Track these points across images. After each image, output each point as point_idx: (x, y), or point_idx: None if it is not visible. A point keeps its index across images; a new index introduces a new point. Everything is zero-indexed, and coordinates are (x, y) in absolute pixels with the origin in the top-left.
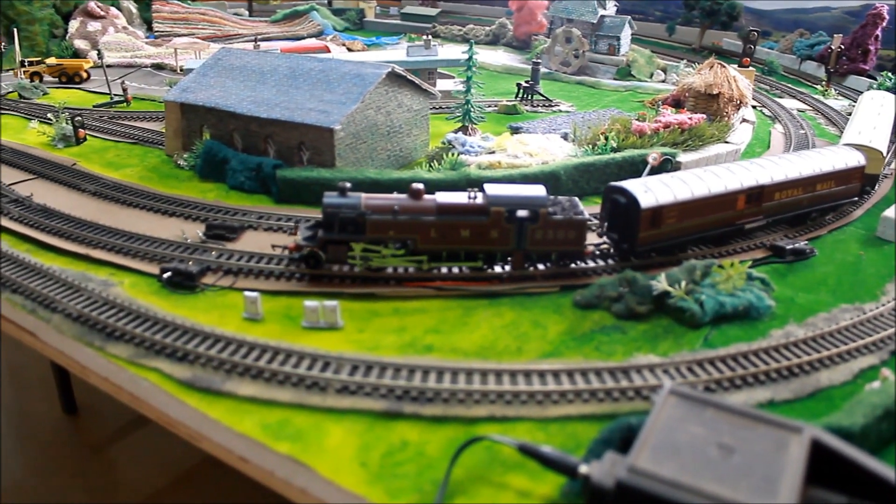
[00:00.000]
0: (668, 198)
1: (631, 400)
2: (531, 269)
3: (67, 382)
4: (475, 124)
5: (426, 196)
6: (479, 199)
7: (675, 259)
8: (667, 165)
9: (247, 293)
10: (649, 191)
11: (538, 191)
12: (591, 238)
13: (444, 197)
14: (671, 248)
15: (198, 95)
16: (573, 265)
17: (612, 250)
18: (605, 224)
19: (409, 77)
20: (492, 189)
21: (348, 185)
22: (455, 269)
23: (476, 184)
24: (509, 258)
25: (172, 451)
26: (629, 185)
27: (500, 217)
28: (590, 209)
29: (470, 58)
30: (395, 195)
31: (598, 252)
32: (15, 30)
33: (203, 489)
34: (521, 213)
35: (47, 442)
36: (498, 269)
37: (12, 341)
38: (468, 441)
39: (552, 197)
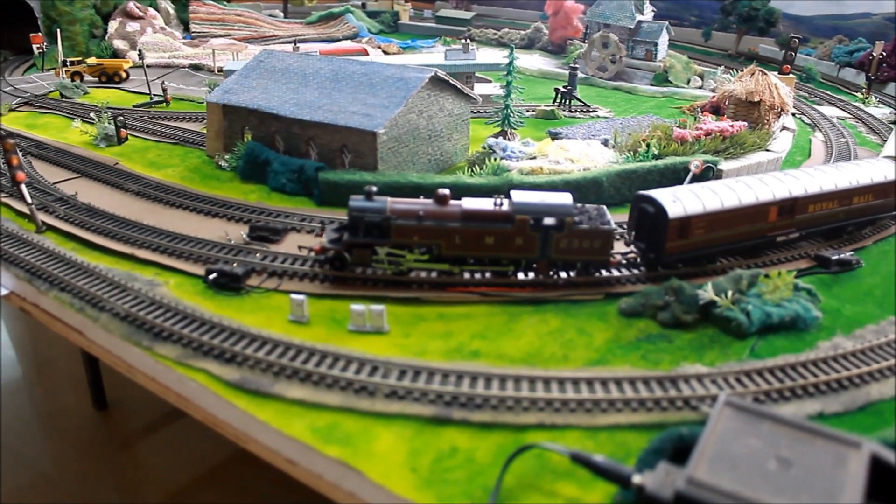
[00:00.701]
0: (696, 208)
1: (679, 410)
2: (556, 276)
3: (98, 379)
4: (514, 129)
5: (452, 202)
6: (505, 207)
7: (703, 269)
8: (709, 173)
9: (293, 296)
10: (678, 200)
11: (565, 199)
12: (620, 247)
13: (469, 203)
14: (699, 258)
15: (240, 97)
16: (598, 274)
17: (638, 259)
18: (633, 233)
19: (451, 81)
20: (518, 196)
21: (374, 188)
22: (487, 275)
23: (518, 189)
24: (534, 266)
25: (199, 449)
26: (657, 194)
27: (526, 225)
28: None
29: (510, 62)
30: (421, 200)
31: (624, 261)
32: (58, 30)
33: (228, 487)
34: (547, 221)
35: (77, 436)
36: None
37: (46, 337)
38: (520, 448)
39: (579, 206)
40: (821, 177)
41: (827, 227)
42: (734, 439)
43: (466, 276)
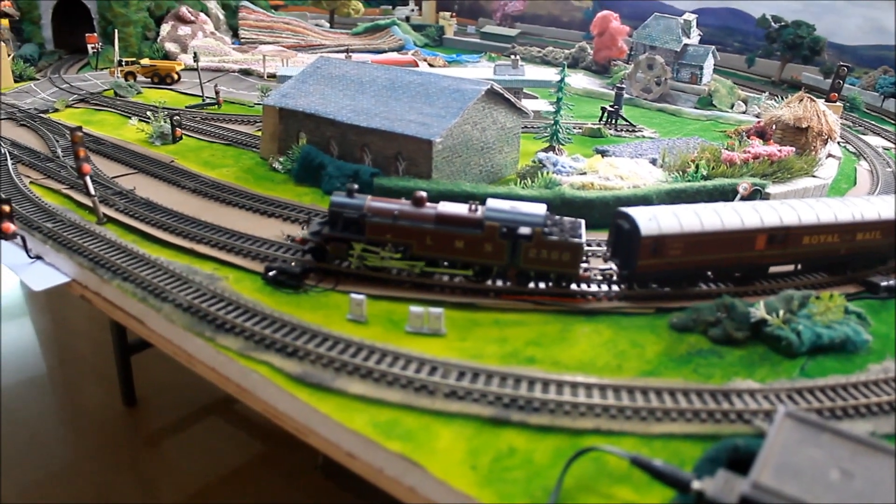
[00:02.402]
0: (672, 228)
1: (732, 423)
2: (530, 286)
3: (129, 375)
4: (562, 145)
5: (428, 204)
6: (479, 213)
7: (682, 293)
8: (756, 196)
9: (353, 295)
10: (653, 219)
11: (538, 210)
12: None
13: (444, 207)
14: (677, 280)
15: (297, 101)
16: (573, 286)
17: (614, 276)
18: (610, 249)
19: (505, 95)
20: (492, 203)
21: (356, 186)
22: (542, 284)
23: (570, 203)
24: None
25: (223, 449)
26: (634, 211)
27: (495, 232)
28: None
29: (562, 80)
30: (401, 201)
31: (600, 276)
32: (115, 31)
33: (249, 488)
34: (515, 230)
35: (104, 431)
36: (594, 287)
37: (78, 332)
38: (581, 451)
39: (555, 218)
40: (821, 209)
41: (826, 262)
42: (796, 449)
43: (542, 285)
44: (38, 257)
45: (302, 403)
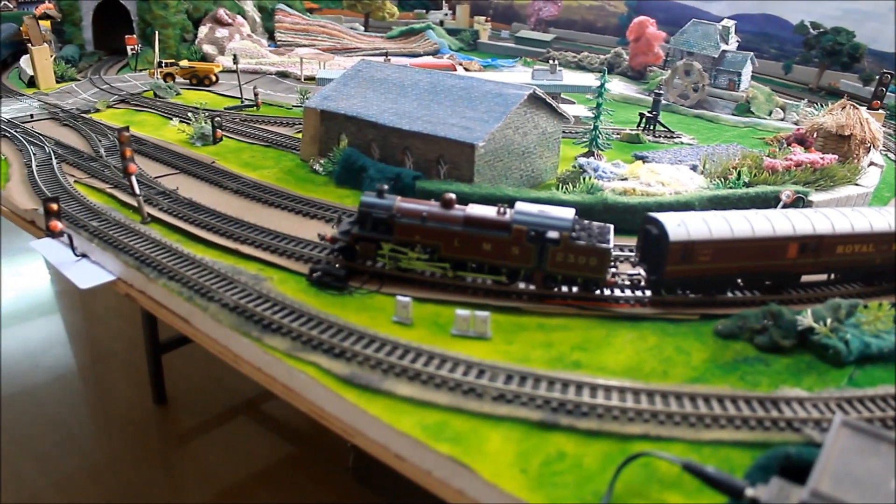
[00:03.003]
0: (702, 234)
1: (782, 431)
2: (556, 289)
3: (160, 373)
4: (601, 150)
5: (457, 206)
6: (507, 216)
7: (711, 300)
8: (799, 204)
9: (399, 297)
10: (682, 224)
11: (566, 214)
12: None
13: (473, 209)
14: (706, 287)
15: (339, 104)
16: (598, 292)
17: (642, 282)
18: (639, 254)
19: (547, 100)
20: (521, 207)
21: (386, 186)
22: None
23: (612, 209)
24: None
25: (252, 449)
26: (663, 216)
27: (522, 235)
28: None
29: (602, 85)
30: (430, 202)
31: (628, 281)
32: (155, 33)
33: (280, 488)
34: (543, 233)
35: (134, 429)
36: (639, 293)
37: (109, 330)
38: (633, 455)
39: (584, 222)
40: (855, 217)
41: (861, 272)
42: (854, 458)
43: (565, 289)
44: (84, 255)
45: (350, 405)
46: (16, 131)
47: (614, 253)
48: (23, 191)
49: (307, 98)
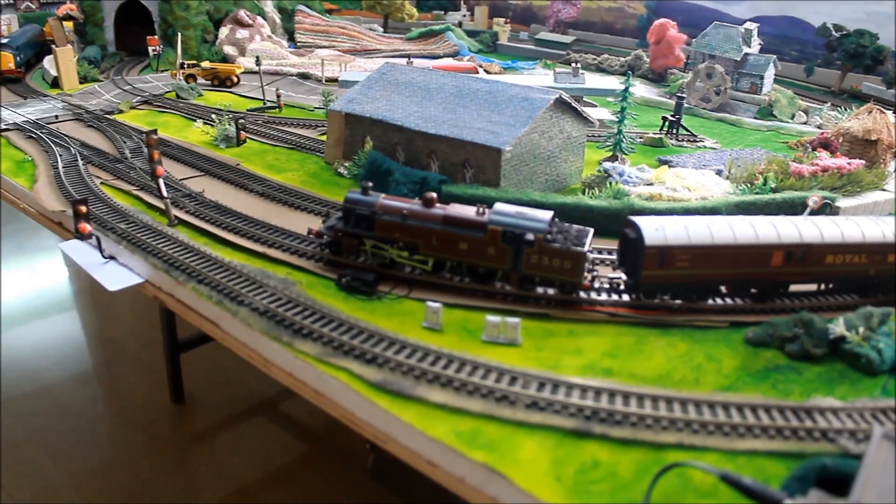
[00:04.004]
0: (680, 239)
1: (816, 441)
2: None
3: (178, 372)
4: (625, 155)
5: (438, 205)
6: (484, 217)
7: (694, 306)
8: (825, 209)
9: (429, 303)
10: (660, 229)
11: (544, 216)
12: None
13: (453, 209)
14: (685, 292)
15: (364, 107)
16: (576, 295)
17: (621, 286)
18: (618, 258)
19: (572, 104)
20: (498, 207)
21: (370, 184)
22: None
23: (639, 214)
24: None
25: (271, 448)
26: (641, 220)
27: (497, 236)
28: None
29: (626, 89)
30: (413, 200)
31: (607, 285)
32: (178, 34)
33: (297, 488)
34: (517, 235)
35: (152, 428)
36: (601, 296)
37: (126, 329)
38: (669, 465)
39: (563, 225)
40: (847, 226)
41: (854, 283)
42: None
43: (594, 295)
44: (112, 257)
45: (382, 410)
46: (41, 132)
47: (595, 256)
48: (50, 192)
49: (330, 100)
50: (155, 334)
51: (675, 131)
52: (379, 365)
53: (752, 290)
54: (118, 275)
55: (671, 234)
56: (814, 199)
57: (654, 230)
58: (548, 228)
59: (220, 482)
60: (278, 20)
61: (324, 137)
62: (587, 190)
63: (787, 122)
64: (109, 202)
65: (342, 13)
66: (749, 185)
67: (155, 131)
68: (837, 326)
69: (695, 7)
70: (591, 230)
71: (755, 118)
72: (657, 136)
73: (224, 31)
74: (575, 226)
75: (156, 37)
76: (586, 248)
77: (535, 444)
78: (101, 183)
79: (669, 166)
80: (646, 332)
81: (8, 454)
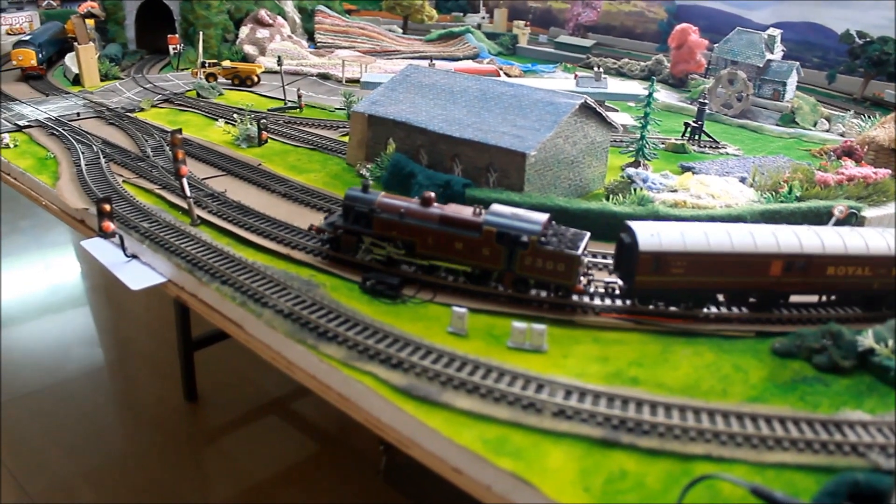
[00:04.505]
0: (675, 245)
1: (846, 455)
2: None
3: (192, 371)
4: (648, 160)
5: (436, 205)
6: (480, 217)
7: (689, 313)
8: (851, 219)
9: (455, 308)
10: (656, 234)
11: (539, 218)
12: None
13: (450, 209)
14: (681, 299)
15: (387, 109)
16: (574, 298)
17: (616, 290)
18: (615, 262)
19: (597, 109)
20: (495, 209)
21: (370, 181)
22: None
23: (663, 220)
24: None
25: (284, 447)
26: (637, 225)
27: (491, 237)
28: None
29: (650, 94)
30: (412, 199)
31: (602, 290)
32: (200, 33)
33: (308, 487)
34: (511, 236)
35: (164, 425)
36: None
37: (140, 326)
38: (699, 478)
39: (559, 228)
40: (851, 238)
41: (858, 296)
42: None
43: (619, 302)
44: (134, 256)
45: (408, 416)
46: (63, 129)
47: (591, 260)
48: (72, 189)
49: (351, 101)
50: (168, 332)
51: (697, 137)
52: (405, 370)
53: (751, 300)
54: (141, 274)
55: (666, 239)
56: (839, 208)
57: (650, 235)
58: (542, 231)
59: (231, 480)
60: (298, 20)
61: (345, 139)
62: (611, 196)
63: (810, 130)
64: (132, 200)
65: (361, 13)
66: (774, 193)
67: (179, 130)
68: (866, 339)
69: (715, 12)
70: (588, 234)
71: (777, 125)
72: (679, 141)
73: (244, 31)
74: (571, 229)
75: (176, 35)
76: (580, 251)
77: (562, 452)
78: (124, 181)
79: (693, 173)
80: (672, 341)
81: (23, 448)
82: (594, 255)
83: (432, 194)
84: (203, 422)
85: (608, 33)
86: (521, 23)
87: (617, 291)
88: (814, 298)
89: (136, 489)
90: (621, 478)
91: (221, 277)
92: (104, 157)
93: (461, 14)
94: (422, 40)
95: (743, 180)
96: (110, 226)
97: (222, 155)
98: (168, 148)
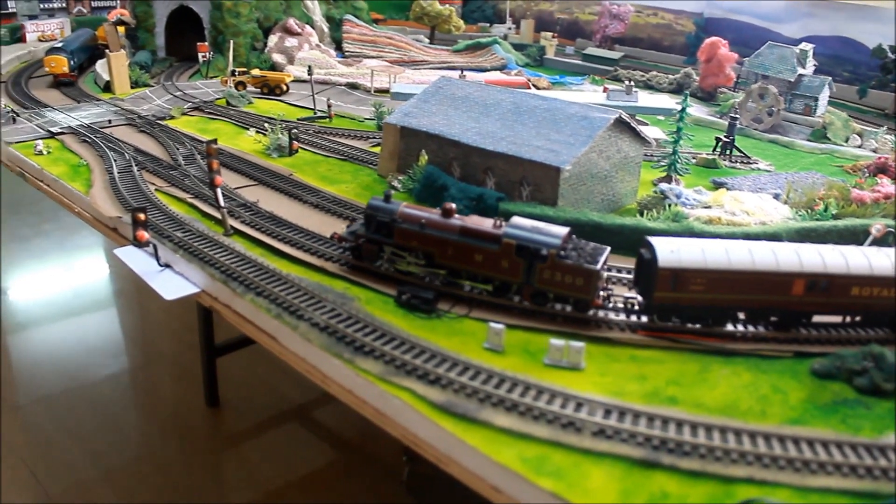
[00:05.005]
0: (695, 262)
1: (891, 481)
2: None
3: (214, 376)
4: (680, 176)
5: (456, 216)
6: (501, 229)
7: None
8: (889, 238)
9: (492, 324)
10: (676, 251)
11: (559, 232)
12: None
13: (470, 220)
14: (700, 317)
15: (420, 121)
16: (591, 313)
17: (636, 306)
18: (635, 277)
19: (631, 123)
20: (515, 221)
21: (392, 192)
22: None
23: (698, 237)
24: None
25: (305, 454)
26: (657, 240)
27: (511, 249)
28: None
29: (683, 109)
30: (432, 210)
31: (620, 305)
32: (231, 42)
33: (328, 494)
34: (530, 249)
35: (185, 430)
36: (730, 326)
37: (163, 331)
38: (744, 502)
39: (579, 242)
40: (878, 259)
41: (885, 317)
42: None
43: (634, 318)
44: (167, 266)
45: (446, 433)
46: (95, 136)
47: (612, 274)
48: (105, 197)
49: (382, 112)
50: (192, 337)
51: (728, 152)
52: (442, 386)
53: (773, 319)
54: (174, 284)
55: (686, 256)
56: (877, 227)
57: (669, 252)
58: (561, 244)
59: (251, 485)
60: (326, 29)
61: (375, 149)
62: (644, 211)
63: (842, 146)
64: (164, 209)
65: (388, 23)
66: (808, 210)
67: (215, 141)
68: None
69: (744, 25)
70: (608, 248)
71: (808, 140)
72: (710, 156)
73: (273, 39)
74: (591, 243)
75: (206, 43)
76: (599, 265)
77: (603, 473)
78: (156, 189)
79: (726, 189)
80: (709, 360)
81: (45, 449)
82: (619, 271)
83: (453, 205)
84: (224, 427)
85: (635, 45)
86: (549, 34)
87: (636, 307)
88: (846, 319)
89: (157, 492)
90: (663, 499)
91: (256, 289)
92: (136, 165)
93: (487, 24)
94: (449, 50)
95: (777, 197)
96: (145, 235)
97: (253, 164)
98: (200, 157)
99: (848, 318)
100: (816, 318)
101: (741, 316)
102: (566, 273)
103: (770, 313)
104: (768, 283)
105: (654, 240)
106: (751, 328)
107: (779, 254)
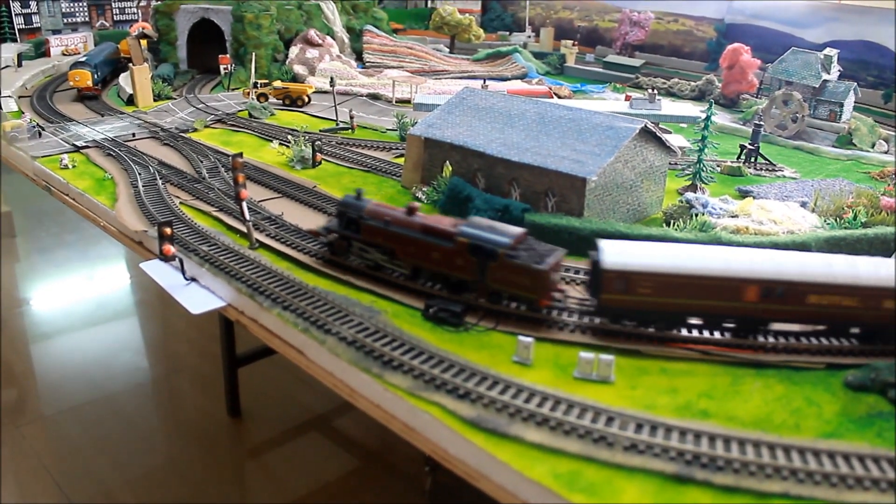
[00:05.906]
0: (640, 265)
1: None
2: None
3: (236, 387)
4: (705, 184)
5: (419, 214)
6: (456, 228)
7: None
8: None
9: (521, 338)
10: (623, 253)
11: (511, 232)
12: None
13: (431, 219)
14: (651, 320)
15: (444, 132)
16: (548, 314)
17: (589, 308)
18: (587, 279)
19: (656, 133)
20: (473, 220)
21: (364, 189)
22: (715, 333)
23: (726, 246)
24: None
25: (326, 464)
26: (605, 242)
27: (463, 248)
28: None
29: (708, 117)
30: (397, 208)
31: (573, 306)
32: (253, 54)
33: (346, 502)
34: (481, 248)
35: (207, 439)
36: (761, 338)
37: (184, 341)
38: None
39: (533, 242)
40: (840, 266)
41: (848, 327)
42: None
43: (684, 331)
44: (193, 279)
45: (477, 448)
46: (119, 150)
47: (565, 275)
48: (131, 211)
49: (405, 123)
50: (212, 347)
51: (753, 160)
52: (472, 400)
53: (730, 325)
54: (200, 297)
55: (632, 259)
56: None
57: (616, 254)
58: (512, 244)
59: (272, 495)
60: (347, 40)
61: (399, 161)
62: (671, 221)
63: (868, 152)
64: (190, 223)
65: (408, 33)
66: (837, 219)
67: (240, 154)
68: None
69: (766, 31)
70: (564, 250)
71: (833, 146)
72: (735, 164)
73: (294, 51)
74: (547, 245)
75: (228, 55)
76: (548, 266)
77: (636, 488)
78: (181, 203)
79: (753, 198)
80: (741, 373)
81: (68, 458)
82: None
83: (417, 204)
84: (245, 437)
85: (656, 52)
86: (569, 42)
87: (591, 309)
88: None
89: (179, 501)
90: None
91: (282, 302)
92: (161, 179)
93: (507, 33)
94: (469, 60)
95: (804, 205)
96: (171, 249)
97: (277, 177)
98: (224, 170)
99: (809, 328)
100: (775, 326)
101: (695, 321)
102: (515, 273)
103: (724, 319)
104: (720, 289)
105: (602, 242)
106: (782, 339)
107: (731, 260)
